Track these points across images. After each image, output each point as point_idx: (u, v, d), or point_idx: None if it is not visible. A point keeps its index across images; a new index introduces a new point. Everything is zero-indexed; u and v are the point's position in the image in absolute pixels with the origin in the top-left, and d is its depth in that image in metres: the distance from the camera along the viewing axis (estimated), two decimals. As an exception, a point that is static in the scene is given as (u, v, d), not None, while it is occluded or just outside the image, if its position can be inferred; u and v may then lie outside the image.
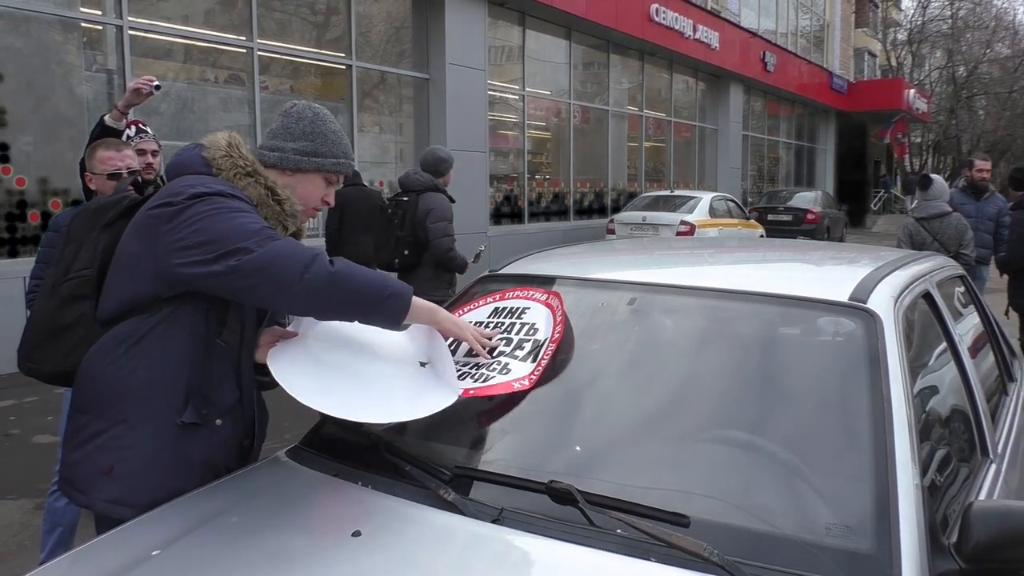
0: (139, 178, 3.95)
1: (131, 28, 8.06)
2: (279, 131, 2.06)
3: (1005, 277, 6.44)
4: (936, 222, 6.12)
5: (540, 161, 15.32)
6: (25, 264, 7.05)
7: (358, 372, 1.97)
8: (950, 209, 6.28)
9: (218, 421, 1.93)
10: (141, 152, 3.94)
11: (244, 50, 9.39)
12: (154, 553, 1.63)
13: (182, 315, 1.88)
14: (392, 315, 1.89)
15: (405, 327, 2.05)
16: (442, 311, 2.06)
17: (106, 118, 3.72)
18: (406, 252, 5.31)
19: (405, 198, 5.36)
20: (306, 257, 1.78)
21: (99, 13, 7.99)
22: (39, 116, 7.39)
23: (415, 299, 1.92)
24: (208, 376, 1.90)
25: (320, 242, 8.34)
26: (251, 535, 1.70)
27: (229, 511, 1.78)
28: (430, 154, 5.47)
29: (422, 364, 2.06)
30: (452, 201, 5.37)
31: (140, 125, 4.05)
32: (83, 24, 7.89)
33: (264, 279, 1.78)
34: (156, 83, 3.74)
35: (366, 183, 10.40)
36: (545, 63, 14.91)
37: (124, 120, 3.77)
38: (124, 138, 3.82)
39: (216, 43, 9.27)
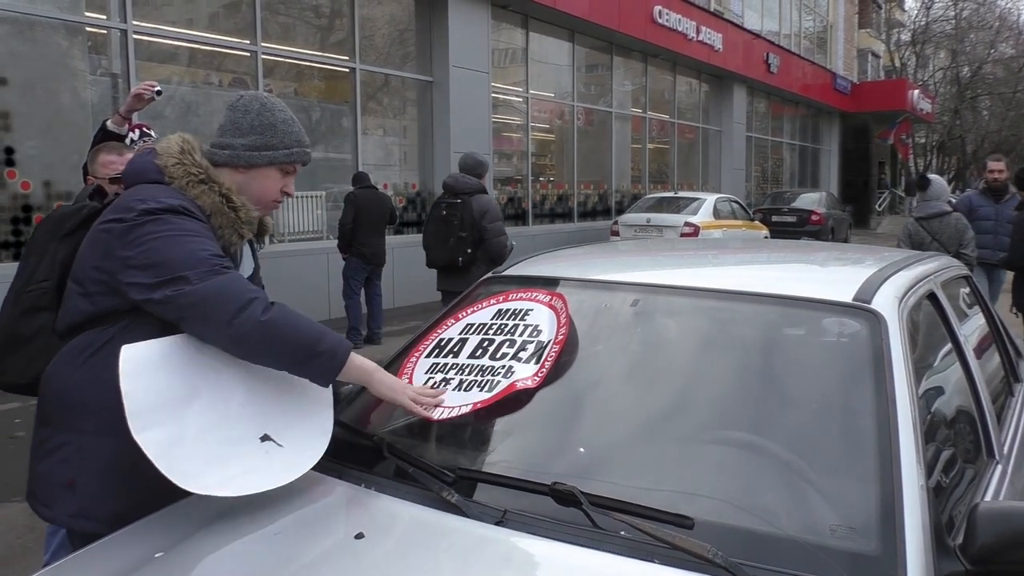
0: None
1: (135, 32, 8.08)
2: (227, 127, 1.99)
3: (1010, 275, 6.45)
4: (935, 222, 6.11)
5: (544, 163, 15.31)
6: (30, 267, 7.08)
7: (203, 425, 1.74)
8: (949, 209, 6.27)
9: None
10: None
11: (248, 54, 9.41)
12: (157, 555, 1.63)
13: (139, 326, 1.82)
14: (322, 372, 1.82)
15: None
16: (380, 373, 1.92)
17: (108, 123, 3.74)
18: (469, 251, 5.77)
19: (458, 200, 5.82)
20: (241, 301, 1.73)
21: (103, 17, 8.00)
22: (44, 120, 7.41)
23: (353, 357, 1.85)
24: None
25: (321, 244, 8.38)
26: (255, 538, 1.69)
27: (232, 513, 1.78)
28: (470, 158, 5.98)
29: (262, 440, 1.79)
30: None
31: (144, 129, 4.04)
32: (88, 28, 7.92)
33: (195, 315, 1.75)
34: (158, 88, 3.75)
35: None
36: (548, 65, 14.91)
37: (126, 125, 3.78)
38: (128, 142, 3.82)
39: (220, 47, 9.28)
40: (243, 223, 1.96)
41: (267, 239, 2.23)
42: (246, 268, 2.10)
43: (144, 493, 1.79)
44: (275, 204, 2.08)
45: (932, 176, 6.47)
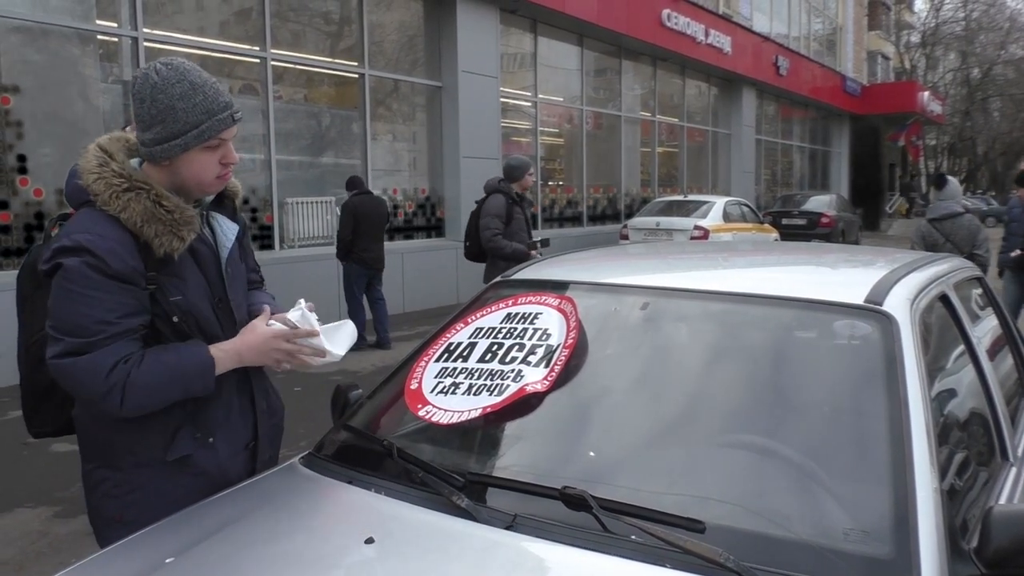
0: None
1: (146, 40, 8.13)
2: (136, 121, 1.84)
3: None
4: (948, 223, 6.11)
5: (553, 167, 15.33)
6: (42, 274, 7.12)
7: None
8: (962, 210, 6.26)
9: (211, 439, 1.93)
10: None
11: (258, 60, 9.45)
12: (168, 560, 1.63)
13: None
14: (201, 391, 1.84)
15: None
16: (245, 347, 1.89)
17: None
18: (468, 244, 6.71)
19: (480, 200, 6.64)
20: (99, 390, 1.73)
21: (115, 25, 8.06)
22: (56, 128, 7.46)
23: (217, 357, 1.84)
24: (192, 400, 1.88)
25: (330, 249, 8.41)
26: (264, 542, 1.70)
27: (243, 518, 1.79)
28: (504, 163, 6.91)
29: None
30: (515, 201, 6.46)
31: None
32: (99, 36, 7.97)
33: (69, 385, 1.78)
34: None
35: (380, 190, 10.48)
36: (557, 69, 14.93)
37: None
38: None
39: (230, 54, 9.33)
40: (181, 224, 1.81)
41: (237, 201, 2.11)
42: (225, 241, 2.00)
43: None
44: (220, 181, 1.92)
45: (949, 177, 6.49)
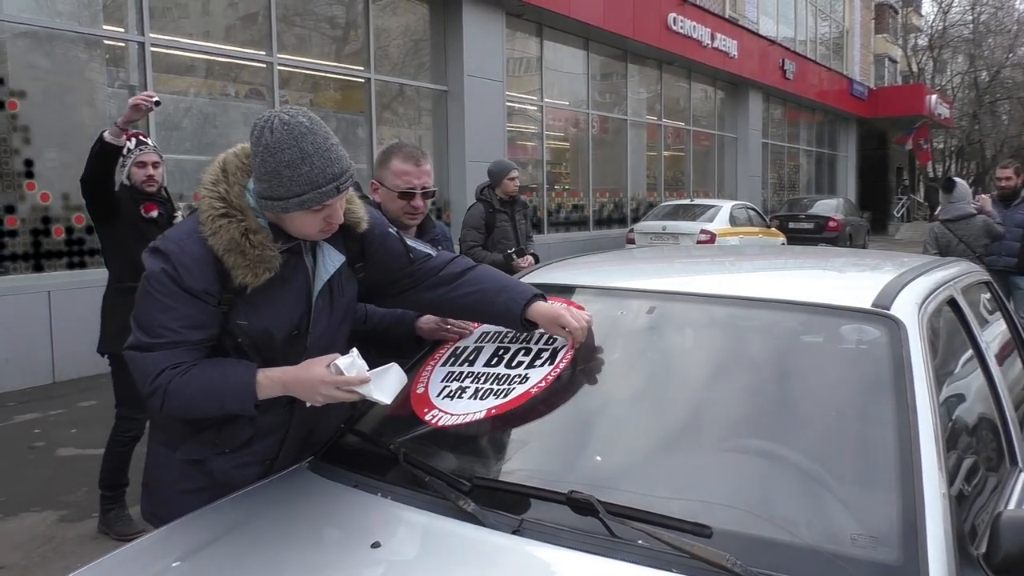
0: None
1: (153, 45, 8.16)
2: (252, 167, 1.86)
3: None
4: (960, 224, 6.21)
5: (559, 172, 15.33)
6: (50, 279, 7.15)
7: None
8: (974, 211, 6.34)
9: (227, 450, 1.98)
10: (141, 165, 3.98)
11: (264, 65, 9.48)
12: (175, 564, 1.63)
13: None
14: (239, 411, 1.88)
15: None
16: (291, 380, 1.85)
17: (106, 134, 3.70)
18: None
19: None
20: (146, 387, 1.83)
21: (121, 30, 8.09)
22: (63, 132, 7.49)
23: (260, 383, 1.83)
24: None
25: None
26: (271, 547, 1.70)
27: (249, 523, 1.79)
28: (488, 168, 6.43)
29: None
30: (497, 209, 6.10)
31: (140, 137, 4.05)
32: (106, 41, 8.01)
33: (132, 374, 1.89)
34: (156, 99, 3.71)
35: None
36: (563, 73, 14.94)
37: (124, 136, 3.76)
38: (124, 151, 3.85)
39: (237, 58, 9.36)
40: (258, 263, 1.83)
41: (360, 230, 2.05)
42: (324, 273, 1.99)
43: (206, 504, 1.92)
44: (324, 233, 1.91)
45: (957, 179, 6.55)
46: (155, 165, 4.02)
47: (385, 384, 1.87)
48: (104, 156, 3.73)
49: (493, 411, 1.92)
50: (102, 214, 3.96)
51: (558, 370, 1.98)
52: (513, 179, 6.21)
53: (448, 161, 11.84)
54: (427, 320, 2.42)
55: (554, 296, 2.29)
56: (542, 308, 2.10)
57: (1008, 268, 6.60)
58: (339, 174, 1.82)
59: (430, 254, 2.22)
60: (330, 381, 1.80)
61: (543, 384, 1.94)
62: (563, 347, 2.06)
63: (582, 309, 2.13)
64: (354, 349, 1.86)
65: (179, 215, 4.07)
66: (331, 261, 2.00)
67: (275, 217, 1.87)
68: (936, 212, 7.45)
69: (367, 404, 2.02)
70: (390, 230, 2.17)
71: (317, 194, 1.79)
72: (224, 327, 1.89)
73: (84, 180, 3.84)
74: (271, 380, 1.84)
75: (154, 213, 4.01)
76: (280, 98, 9.52)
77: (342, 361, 1.82)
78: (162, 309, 1.82)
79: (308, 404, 1.89)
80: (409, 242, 2.20)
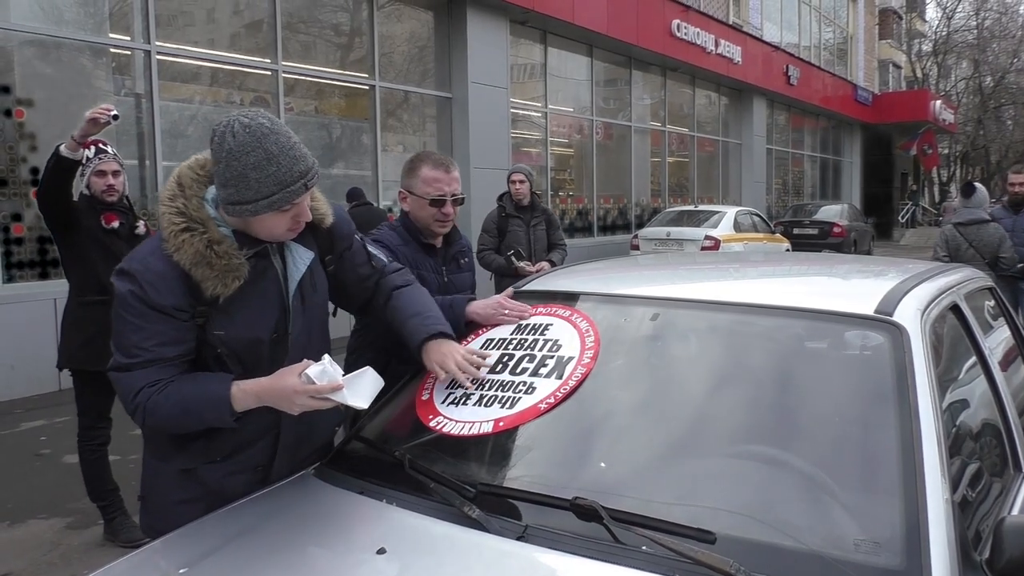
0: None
1: (159, 53, 8.20)
2: (213, 174, 1.86)
3: None
4: (973, 229, 6.21)
5: (563, 178, 15.34)
6: (56, 286, 7.16)
7: None
8: (988, 218, 6.34)
9: (218, 459, 1.99)
10: (101, 174, 3.83)
11: (269, 72, 9.51)
12: (181, 571, 1.64)
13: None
14: (217, 424, 1.88)
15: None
16: (265, 391, 1.84)
17: (62, 148, 3.54)
18: None
19: None
20: (128, 403, 1.85)
21: (127, 38, 8.13)
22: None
23: (235, 396, 1.83)
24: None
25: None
26: (277, 553, 1.70)
27: (255, 530, 1.79)
28: None
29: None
30: (506, 212, 6.34)
31: (100, 145, 3.87)
32: (112, 49, 8.05)
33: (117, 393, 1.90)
34: (114, 112, 3.53)
35: (391, 201, 10.51)
36: (567, 80, 14.97)
37: (81, 150, 3.60)
38: (83, 160, 3.68)
39: (241, 66, 9.40)
40: (226, 272, 1.83)
41: (325, 226, 2.08)
42: (295, 272, 1.99)
43: (202, 513, 1.92)
44: (292, 232, 1.93)
45: (977, 184, 6.54)
46: (115, 174, 3.86)
47: (360, 389, 1.86)
48: (60, 171, 3.58)
49: (502, 424, 1.93)
50: (60, 225, 3.81)
51: (567, 387, 1.98)
52: (514, 181, 6.28)
53: (452, 168, 11.83)
54: (483, 304, 2.38)
55: (557, 303, 2.30)
56: (433, 347, 2.13)
57: (1014, 273, 6.60)
58: (306, 171, 1.85)
59: (385, 263, 2.29)
60: (302, 391, 1.79)
61: (552, 401, 1.94)
62: (569, 359, 2.07)
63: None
64: (326, 356, 1.86)
65: (140, 225, 3.98)
66: (301, 260, 2.01)
67: (241, 222, 1.87)
68: (944, 215, 7.48)
69: (373, 409, 2.03)
70: (357, 235, 2.23)
71: (286, 193, 1.81)
72: (202, 339, 1.89)
73: (39, 195, 3.71)
74: (245, 393, 1.84)
75: (115, 224, 3.87)
76: (285, 105, 9.55)
77: (312, 370, 1.81)
78: (134, 329, 1.82)
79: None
80: (370, 248, 2.28)
